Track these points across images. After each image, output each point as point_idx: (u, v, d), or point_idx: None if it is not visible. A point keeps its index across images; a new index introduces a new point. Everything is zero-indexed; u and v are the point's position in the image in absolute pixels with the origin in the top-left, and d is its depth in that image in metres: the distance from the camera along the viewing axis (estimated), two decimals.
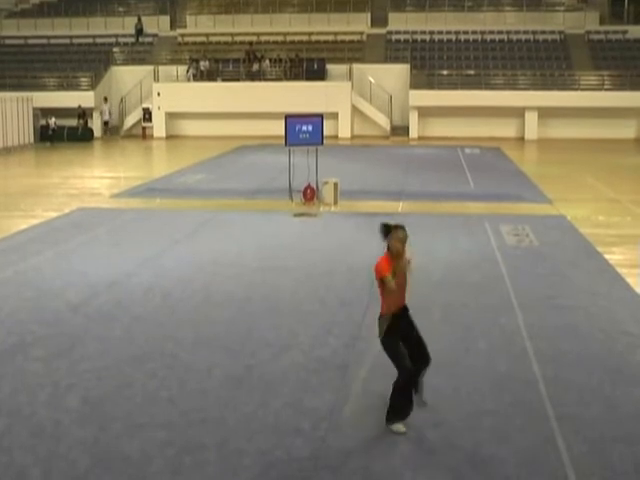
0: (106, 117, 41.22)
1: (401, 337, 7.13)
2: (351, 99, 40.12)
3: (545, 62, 40.71)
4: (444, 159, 30.76)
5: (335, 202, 19.13)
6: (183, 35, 45.10)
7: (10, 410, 7.58)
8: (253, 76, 41.08)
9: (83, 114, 39.92)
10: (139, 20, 45.17)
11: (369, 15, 44.37)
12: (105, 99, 41.08)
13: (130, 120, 41.86)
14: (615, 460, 6.61)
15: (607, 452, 6.74)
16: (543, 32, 42.57)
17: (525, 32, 42.73)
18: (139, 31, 45.07)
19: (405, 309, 7.24)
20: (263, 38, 43.60)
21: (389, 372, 8.50)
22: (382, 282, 7.04)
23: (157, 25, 45.81)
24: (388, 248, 7.06)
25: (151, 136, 40.57)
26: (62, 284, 12.08)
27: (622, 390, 8.05)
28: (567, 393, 7.96)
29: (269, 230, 16.41)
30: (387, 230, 7.08)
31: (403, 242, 7.03)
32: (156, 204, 19.95)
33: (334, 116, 38.56)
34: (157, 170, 28.90)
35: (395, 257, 7.03)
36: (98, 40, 44.79)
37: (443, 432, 7.10)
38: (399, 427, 7.10)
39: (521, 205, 19.54)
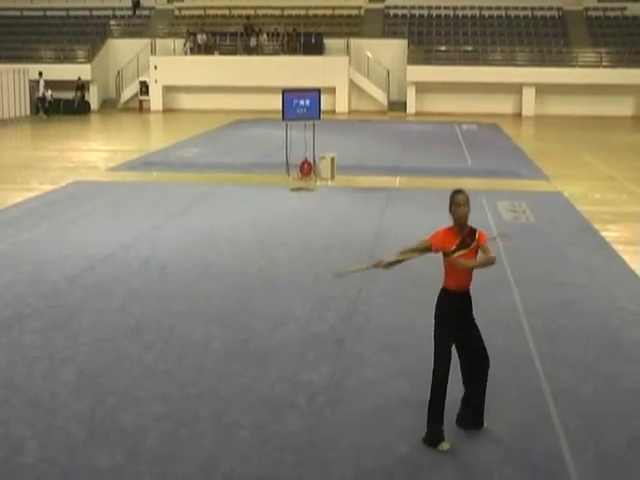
0: (40, 93, 37.76)
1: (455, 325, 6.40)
2: (348, 74, 39.96)
3: (543, 39, 40.58)
4: (441, 135, 30.69)
5: (332, 177, 19.10)
6: (180, 8, 44.79)
7: (7, 382, 7.59)
8: (250, 50, 40.88)
9: (82, 87, 39.60)
10: None
11: None
12: (40, 74, 37.84)
13: (127, 93, 41.68)
14: (609, 435, 6.64)
15: (601, 427, 6.77)
16: (541, 8, 42.40)
17: (523, 8, 42.57)
18: (136, 4, 44.75)
19: (467, 294, 6.46)
20: (261, 12, 43.31)
21: (385, 347, 8.54)
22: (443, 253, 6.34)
23: None
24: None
25: (148, 109, 40.37)
26: (58, 257, 12.07)
27: (617, 366, 8.08)
28: (562, 368, 7.99)
29: (266, 204, 16.39)
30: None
31: (462, 205, 6.18)
32: (153, 177, 19.88)
33: (331, 91, 38.43)
34: (154, 143, 28.80)
35: (459, 226, 6.26)
36: (95, 12, 44.50)
37: None
38: (442, 445, 6.30)
39: (518, 182, 19.52)
